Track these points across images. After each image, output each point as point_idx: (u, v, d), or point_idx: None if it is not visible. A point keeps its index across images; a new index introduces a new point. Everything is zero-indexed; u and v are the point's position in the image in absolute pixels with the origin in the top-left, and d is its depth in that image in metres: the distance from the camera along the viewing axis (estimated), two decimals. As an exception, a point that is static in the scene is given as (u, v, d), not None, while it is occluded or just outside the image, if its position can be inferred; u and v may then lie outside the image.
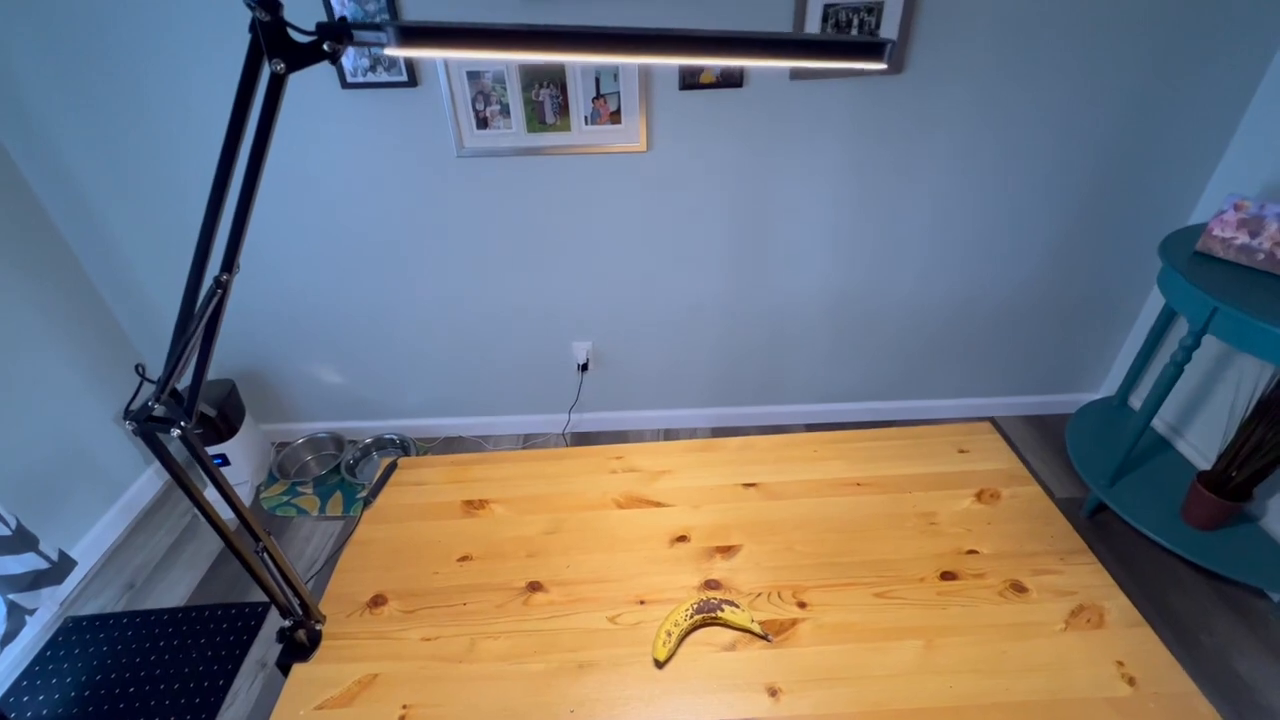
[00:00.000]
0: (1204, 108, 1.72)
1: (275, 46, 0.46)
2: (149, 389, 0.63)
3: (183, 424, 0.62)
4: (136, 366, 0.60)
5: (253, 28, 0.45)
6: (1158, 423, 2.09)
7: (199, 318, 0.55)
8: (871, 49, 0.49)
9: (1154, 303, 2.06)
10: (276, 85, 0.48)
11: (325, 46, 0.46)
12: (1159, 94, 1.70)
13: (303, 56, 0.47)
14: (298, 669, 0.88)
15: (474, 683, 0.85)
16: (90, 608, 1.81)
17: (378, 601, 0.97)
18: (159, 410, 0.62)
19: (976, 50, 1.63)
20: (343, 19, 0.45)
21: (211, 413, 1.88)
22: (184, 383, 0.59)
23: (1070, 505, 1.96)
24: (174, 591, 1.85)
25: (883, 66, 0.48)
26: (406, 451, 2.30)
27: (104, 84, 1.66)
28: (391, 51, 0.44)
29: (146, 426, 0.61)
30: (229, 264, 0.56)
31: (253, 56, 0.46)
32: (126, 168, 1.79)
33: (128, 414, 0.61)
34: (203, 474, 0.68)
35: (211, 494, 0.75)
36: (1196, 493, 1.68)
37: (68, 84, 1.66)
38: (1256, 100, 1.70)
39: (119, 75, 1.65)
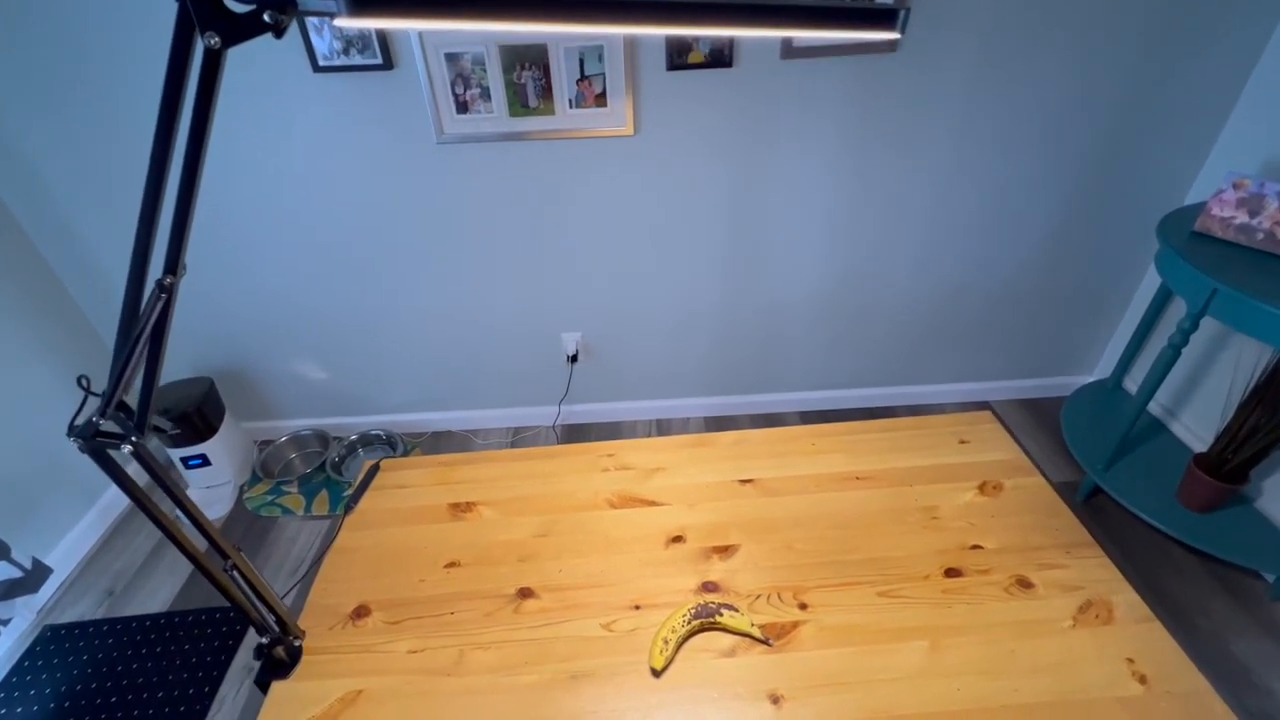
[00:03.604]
0: (1202, 84, 1.68)
1: (208, 17, 0.41)
2: (99, 402, 0.58)
3: (134, 439, 0.57)
4: (79, 379, 0.55)
5: (180, -5, 0.40)
6: (1153, 405, 2.09)
7: (142, 326, 0.50)
8: (883, 16, 0.44)
9: (1149, 284, 2.04)
10: (213, 62, 0.43)
11: (266, 16, 0.41)
12: (1156, 71, 1.66)
13: (241, 29, 0.41)
14: (277, 687, 0.84)
15: (463, 697, 0.81)
16: (69, 616, 1.76)
17: (361, 613, 0.92)
18: (107, 425, 0.56)
19: (971, 28, 1.58)
20: (286, -16, 0.40)
21: (167, 426, 1.81)
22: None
23: (1066, 489, 1.95)
24: (156, 597, 1.80)
25: (896, 35, 0.43)
26: (393, 448, 2.25)
27: (75, 88, 1.58)
28: (343, 21, 0.38)
29: (94, 443, 0.56)
30: (172, 266, 0.51)
31: (182, 29, 0.41)
32: (98, 171, 1.71)
33: (72, 430, 0.56)
34: (180, 478, 0.63)
35: (191, 496, 0.69)
36: (1192, 475, 1.68)
37: (36, 90, 1.57)
38: (1255, 76, 1.66)
39: (91, 80, 1.57)
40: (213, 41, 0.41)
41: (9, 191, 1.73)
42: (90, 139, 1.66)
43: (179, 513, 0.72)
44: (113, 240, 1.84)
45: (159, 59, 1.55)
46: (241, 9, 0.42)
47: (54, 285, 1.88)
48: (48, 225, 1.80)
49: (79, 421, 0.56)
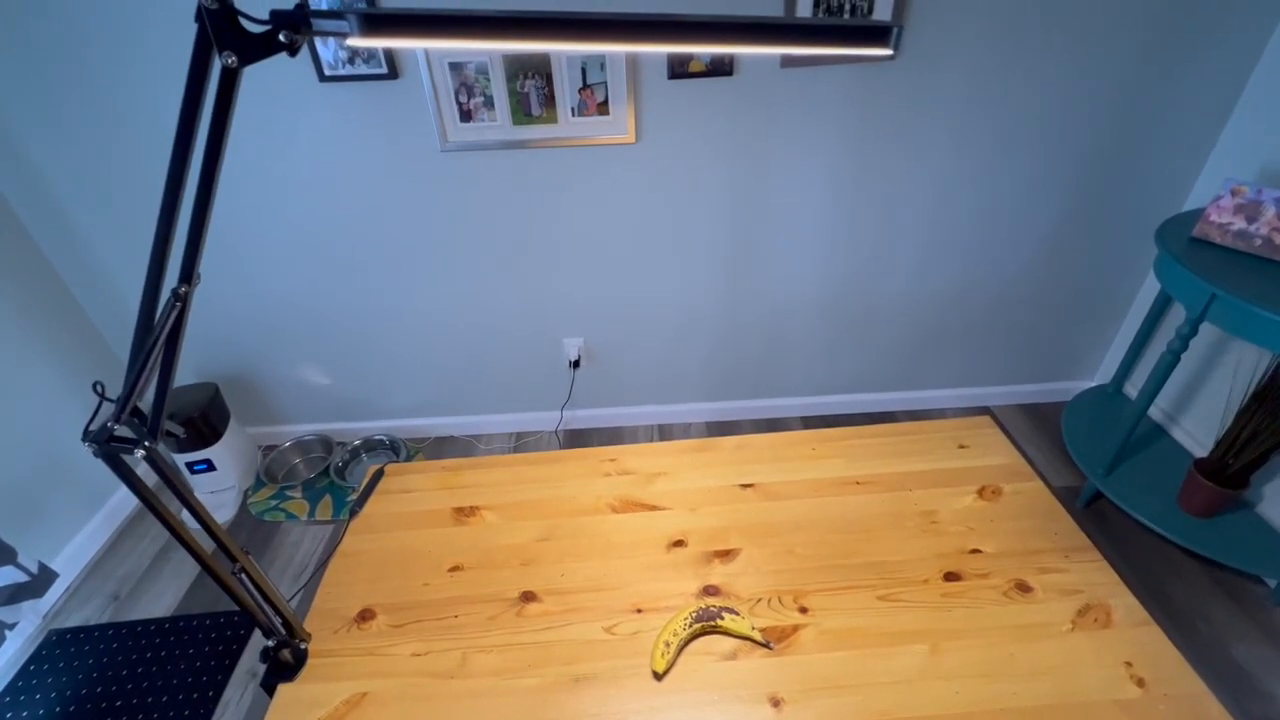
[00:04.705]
0: (1200, 91, 1.69)
1: (225, 37, 0.42)
2: (114, 408, 0.59)
3: (147, 444, 0.58)
4: (95, 385, 0.56)
5: (199, 16, 0.41)
6: (1154, 410, 2.09)
7: (157, 333, 0.51)
8: (875, 34, 0.45)
9: (1149, 289, 2.05)
10: (229, 80, 0.44)
11: (281, 37, 0.42)
12: (1154, 77, 1.67)
13: (257, 48, 0.43)
14: (283, 689, 0.85)
15: (466, 700, 0.82)
16: (74, 620, 1.77)
17: (365, 616, 0.93)
18: (121, 430, 0.58)
19: (970, 35, 1.60)
20: (301, 5, 0.42)
21: (178, 431, 1.83)
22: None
23: (1067, 494, 1.96)
24: (161, 601, 1.81)
25: (889, 52, 0.44)
26: (396, 453, 2.26)
27: (77, 89, 1.60)
28: (354, 42, 0.40)
29: (108, 448, 0.57)
30: (187, 275, 0.52)
31: (201, 49, 0.42)
32: (100, 171, 1.73)
33: (87, 435, 0.57)
34: (185, 483, 0.64)
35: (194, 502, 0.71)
36: (1193, 480, 1.68)
37: (38, 91, 1.59)
38: (1252, 83, 1.68)
39: (93, 81, 1.59)
40: (230, 61, 0.43)
41: (13, 192, 1.75)
42: (92, 140, 1.67)
43: (184, 514, 0.73)
44: (116, 241, 1.86)
45: (160, 60, 1.57)
46: (257, 29, 0.43)
47: (58, 287, 1.90)
48: (51, 227, 1.82)
49: (94, 426, 0.58)
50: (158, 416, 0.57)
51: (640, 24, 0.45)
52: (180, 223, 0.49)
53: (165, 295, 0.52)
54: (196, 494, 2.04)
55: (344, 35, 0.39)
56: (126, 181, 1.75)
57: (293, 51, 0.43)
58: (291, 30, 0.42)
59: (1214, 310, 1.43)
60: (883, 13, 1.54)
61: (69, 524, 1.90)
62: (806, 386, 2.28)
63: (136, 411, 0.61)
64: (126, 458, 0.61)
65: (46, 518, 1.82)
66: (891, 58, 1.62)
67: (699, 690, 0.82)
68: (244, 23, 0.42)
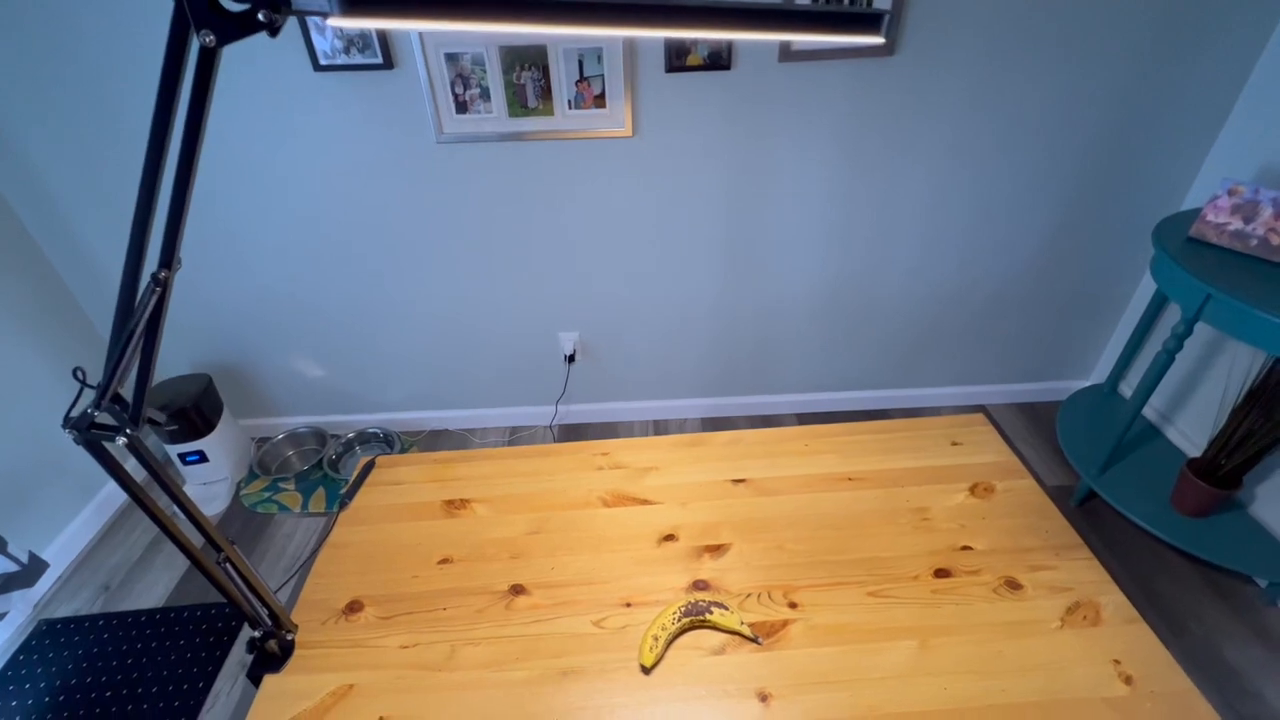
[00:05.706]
0: (1198, 91, 1.69)
1: (203, 16, 0.41)
2: (94, 394, 0.58)
3: (128, 431, 0.58)
4: (74, 371, 0.55)
5: (176, -6, 0.40)
6: (1148, 410, 2.09)
7: (137, 319, 0.50)
8: (866, 21, 0.45)
9: (1145, 289, 2.05)
10: (208, 60, 0.43)
11: (260, 16, 0.41)
12: (1153, 77, 1.66)
13: (236, 27, 0.42)
14: (269, 680, 0.84)
15: (454, 692, 0.82)
16: (64, 610, 1.76)
17: (354, 608, 0.93)
18: (102, 418, 0.57)
19: (970, 33, 1.59)
20: (280, -16, 0.41)
21: (160, 418, 1.81)
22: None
23: (1060, 493, 1.96)
24: (152, 592, 1.80)
25: (880, 40, 0.44)
26: (391, 445, 2.26)
27: (73, 88, 1.58)
28: (335, 21, 0.39)
29: (89, 435, 0.57)
30: (167, 260, 0.51)
31: (178, 28, 0.41)
32: (95, 166, 1.72)
33: (67, 421, 0.56)
34: (177, 474, 0.64)
35: (188, 492, 0.70)
36: (1186, 480, 1.68)
37: (35, 89, 1.58)
38: (1251, 84, 1.67)
39: (89, 79, 1.58)
40: (208, 40, 0.42)
41: (7, 185, 1.74)
42: (88, 136, 1.67)
43: (175, 508, 0.73)
44: (109, 233, 1.85)
45: (157, 59, 1.55)
46: (236, 8, 0.42)
47: (52, 279, 1.89)
48: (46, 219, 1.81)
49: (74, 414, 0.57)
50: (139, 403, 0.57)
51: (623, 7, 0.45)
52: (160, 206, 0.49)
53: (145, 280, 0.51)
54: (189, 485, 2.05)
55: (324, 14, 0.38)
56: (120, 174, 1.74)
57: (272, 31, 0.42)
58: (271, 9, 0.41)
59: (1209, 310, 1.42)
60: (882, 4, 1.53)
61: (60, 514, 1.89)
62: (802, 383, 2.28)
63: (119, 399, 0.60)
64: (111, 446, 0.61)
65: (38, 507, 1.81)
66: (884, 46, 1.61)
67: (687, 684, 0.81)
68: (222, 1, 0.42)
